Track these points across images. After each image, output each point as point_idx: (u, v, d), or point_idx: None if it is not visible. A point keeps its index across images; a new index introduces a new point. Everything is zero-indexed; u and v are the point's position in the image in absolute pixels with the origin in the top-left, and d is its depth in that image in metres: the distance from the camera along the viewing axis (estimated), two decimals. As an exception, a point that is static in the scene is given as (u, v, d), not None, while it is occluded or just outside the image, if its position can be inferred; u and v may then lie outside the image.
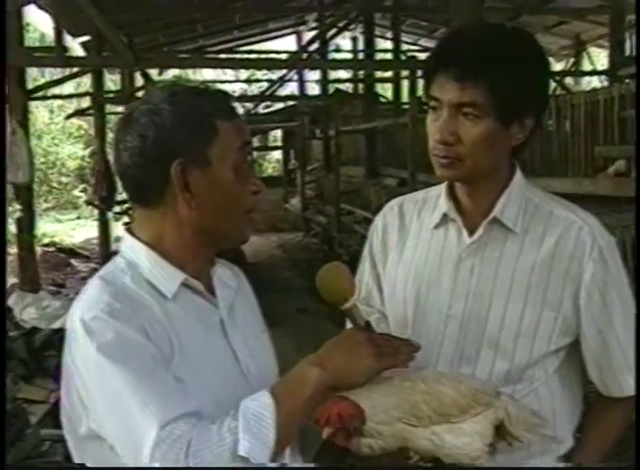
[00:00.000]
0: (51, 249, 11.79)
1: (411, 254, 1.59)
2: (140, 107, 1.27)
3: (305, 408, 1.20)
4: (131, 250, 1.30)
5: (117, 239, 11.12)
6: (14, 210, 7.25)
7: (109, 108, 10.61)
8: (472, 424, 1.30)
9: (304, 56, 9.06)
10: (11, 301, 6.41)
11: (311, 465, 1.42)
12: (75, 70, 8.92)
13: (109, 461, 1.20)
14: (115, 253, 1.35)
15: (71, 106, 17.22)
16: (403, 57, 12.38)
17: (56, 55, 7.14)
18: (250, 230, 1.34)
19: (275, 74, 14.37)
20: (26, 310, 6.14)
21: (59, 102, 18.27)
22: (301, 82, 16.30)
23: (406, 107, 10.08)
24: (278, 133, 18.80)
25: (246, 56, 14.77)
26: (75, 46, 10.06)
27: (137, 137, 1.24)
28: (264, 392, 1.18)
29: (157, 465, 1.11)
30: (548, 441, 1.37)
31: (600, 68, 13.50)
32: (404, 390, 1.31)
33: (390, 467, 1.35)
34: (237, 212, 1.29)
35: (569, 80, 13.20)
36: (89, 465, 1.25)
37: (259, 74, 21.00)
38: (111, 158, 10.84)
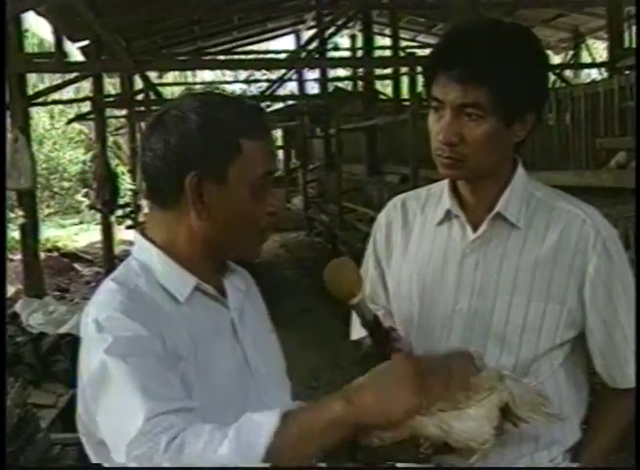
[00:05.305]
0: (54, 254, 11.81)
1: (415, 250, 1.59)
2: (171, 110, 1.26)
3: (317, 440, 1.07)
4: (144, 252, 1.30)
5: (121, 242, 11.17)
6: (17, 216, 7.25)
7: (109, 112, 10.62)
8: (477, 409, 1.30)
9: (303, 55, 9.08)
10: (17, 307, 6.43)
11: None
12: (75, 74, 8.94)
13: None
14: (125, 256, 1.36)
15: (72, 111, 17.26)
16: (402, 53, 12.38)
17: (55, 60, 7.15)
18: (260, 248, 1.33)
19: (274, 74, 14.37)
20: (33, 316, 6.15)
21: (59, 107, 18.29)
22: (301, 81, 16.34)
23: (406, 103, 10.11)
24: (278, 133, 18.81)
25: (245, 56, 14.80)
26: (74, 51, 10.08)
27: (161, 140, 1.24)
28: (277, 409, 1.08)
29: (135, 455, 1.06)
30: (553, 419, 1.38)
31: (599, 60, 13.49)
32: None
33: None
34: (248, 231, 1.28)
35: (568, 73, 13.20)
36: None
37: (259, 75, 21.02)
38: (113, 161, 10.90)
